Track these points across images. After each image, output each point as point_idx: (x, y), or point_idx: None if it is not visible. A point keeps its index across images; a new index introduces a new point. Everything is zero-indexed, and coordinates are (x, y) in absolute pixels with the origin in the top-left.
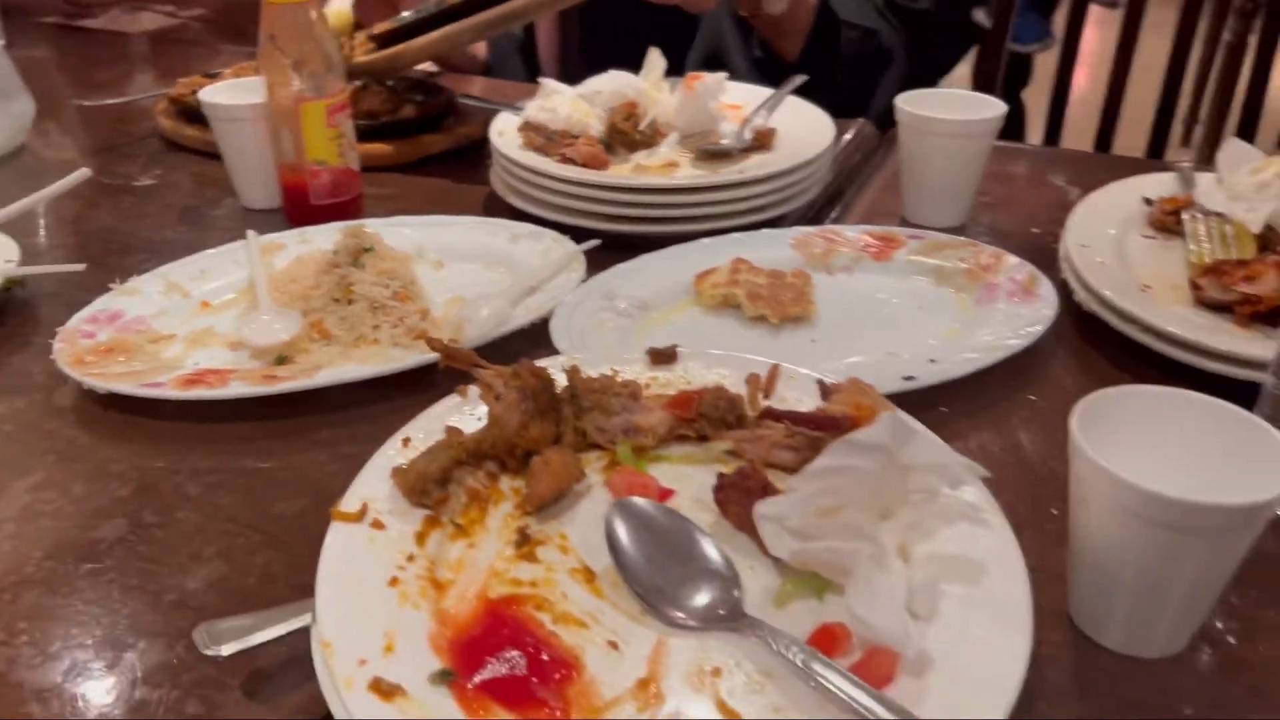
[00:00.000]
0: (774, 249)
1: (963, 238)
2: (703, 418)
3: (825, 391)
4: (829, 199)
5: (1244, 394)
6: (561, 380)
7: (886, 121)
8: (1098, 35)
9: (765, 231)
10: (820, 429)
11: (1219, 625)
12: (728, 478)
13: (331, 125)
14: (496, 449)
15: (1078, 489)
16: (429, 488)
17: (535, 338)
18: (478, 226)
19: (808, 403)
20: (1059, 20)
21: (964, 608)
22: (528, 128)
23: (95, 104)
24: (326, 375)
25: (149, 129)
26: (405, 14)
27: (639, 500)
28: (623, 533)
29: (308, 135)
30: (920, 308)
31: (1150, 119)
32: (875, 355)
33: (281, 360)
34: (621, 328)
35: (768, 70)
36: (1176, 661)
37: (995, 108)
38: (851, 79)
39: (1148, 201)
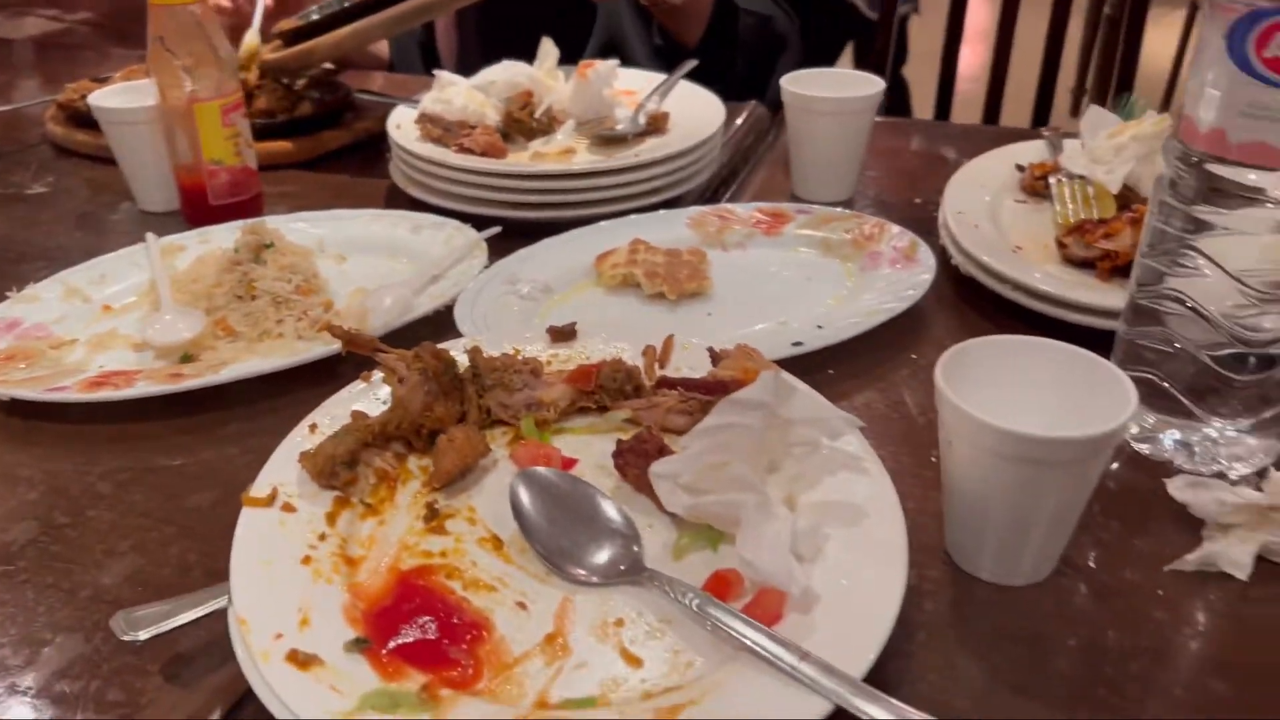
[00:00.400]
0: (670, 229)
1: (848, 210)
2: (602, 389)
3: (714, 358)
4: (723, 179)
5: (1109, 343)
6: (464, 361)
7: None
8: (983, 12)
9: (661, 212)
10: (711, 393)
11: (1087, 556)
12: (625, 443)
13: (227, 124)
14: (402, 430)
15: (945, 433)
16: (337, 470)
17: (440, 324)
18: (379, 219)
19: (701, 371)
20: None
21: (845, 548)
22: (424, 120)
23: None
24: (231, 371)
25: (39, 136)
26: (313, 11)
27: (542, 469)
28: (526, 500)
29: (203, 136)
30: (809, 278)
31: (1035, 92)
32: (768, 325)
33: (187, 359)
34: (525, 311)
35: (669, 57)
36: (1047, 589)
37: (874, 85)
38: (748, 64)
39: (1019, 168)
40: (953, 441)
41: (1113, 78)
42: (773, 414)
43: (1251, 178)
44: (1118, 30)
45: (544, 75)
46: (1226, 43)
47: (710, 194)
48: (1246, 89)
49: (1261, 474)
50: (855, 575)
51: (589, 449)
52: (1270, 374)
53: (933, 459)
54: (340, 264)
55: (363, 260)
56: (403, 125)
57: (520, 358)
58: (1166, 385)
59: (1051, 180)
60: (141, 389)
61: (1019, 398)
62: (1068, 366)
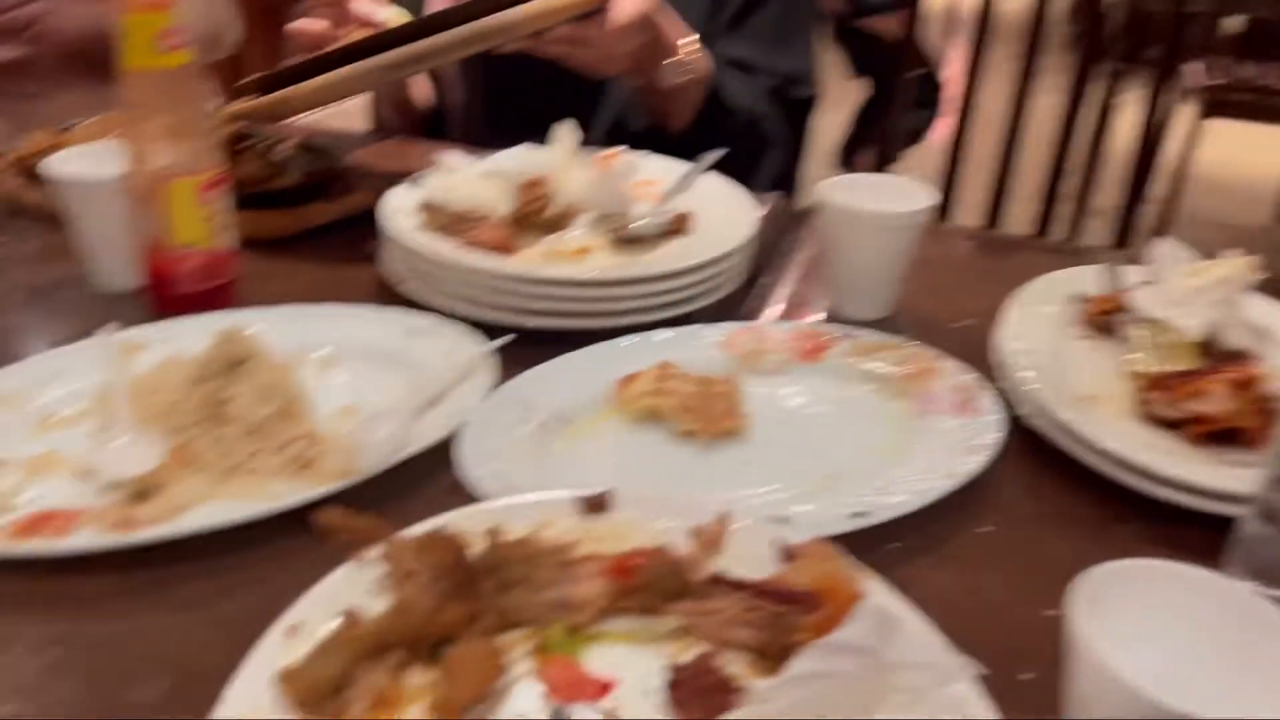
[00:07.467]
0: (700, 350)
1: (895, 337)
2: (646, 588)
3: (785, 555)
4: (744, 285)
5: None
6: (479, 543)
7: None
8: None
9: (690, 329)
10: (783, 602)
11: None
12: (683, 671)
13: (204, 204)
14: (404, 639)
15: (1079, 688)
16: (325, 698)
17: (439, 455)
18: (370, 319)
19: (762, 561)
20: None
21: None
22: (427, 208)
23: None
24: (195, 518)
25: None
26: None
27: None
28: None
29: (176, 215)
30: (856, 419)
31: (1039, 191)
32: (817, 482)
33: (141, 494)
34: (538, 446)
35: (653, 143)
36: None
37: (924, 197)
38: (735, 160)
39: (1078, 299)
40: (1089, 703)
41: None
42: (874, 659)
43: None
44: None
45: (561, 164)
46: None
47: (733, 305)
48: None
49: None
50: None
51: (631, 666)
52: None
53: (1026, 676)
54: (324, 373)
55: (350, 370)
56: (401, 210)
57: (548, 544)
58: None
59: (1121, 320)
60: (83, 541)
61: (1164, 644)
62: (1228, 608)
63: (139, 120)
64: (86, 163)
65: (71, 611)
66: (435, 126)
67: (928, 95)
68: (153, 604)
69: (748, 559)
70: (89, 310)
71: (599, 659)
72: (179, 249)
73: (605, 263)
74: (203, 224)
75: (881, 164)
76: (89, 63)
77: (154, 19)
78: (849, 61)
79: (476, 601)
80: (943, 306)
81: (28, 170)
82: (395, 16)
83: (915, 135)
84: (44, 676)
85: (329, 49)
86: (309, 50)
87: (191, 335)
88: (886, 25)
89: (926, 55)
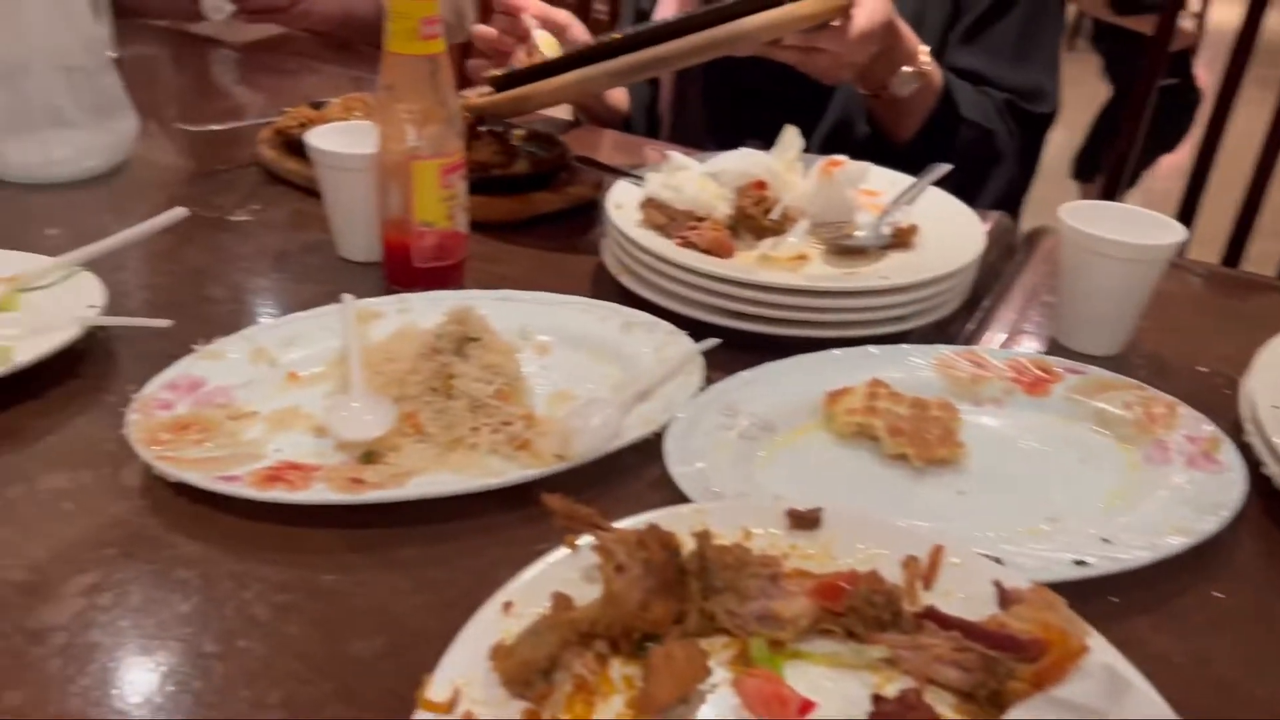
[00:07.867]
0: (912, 370)
1: (1129, 379)
2: (853, 612)
3: (1004, 598)
4: (964, 305)
5: None
6: (689, 544)
7: None
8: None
9: (905, 347)
10: (998, 648)
11: None
12: (887, 705)
13: (445, 186)
14: (611, 630)
15: None
16: (533, 679)
17: (645, 449)
18: (588, 310)
19: (978, 599)
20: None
21: None
22: (650, 205)
23: (199, 129)
24: (419, 485)
25: (250, 157)
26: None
27: None
28: None
29: (418, 195)
30: (1081, 460)
31: None
32: (1036, 522)
33: (369, 457)
34: (743, 451)
35: (872, 150)
36: None
37: (1175, 231)
38: (961, 174)
39: None
40: None
41: None
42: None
43: None
44: None
45: (784, 168)
46: None
47: (949, 326)
48: None
49: None
50: None
51: (832, 690)
52: None
53: None
54: (542, 356)
55: (566, 355)
56: (624, 205)
57: (757, 555)
58: None
59: None
60: (317, 494)
61: None
62: None
63: (393, 102)
64: (341, 138)
65: (303, 559)
66: (628, 127)
67: (1180, 108)
68: (374, 563)
69: (961, 596)
70: (332, 277)
71: (798, 678)
72: (418, 226)
73: (821, 271)
74: (442, 205)
75: (1117, 181)
76: (341, 43)
77: (420, 6)
78: (1103, 61)
79: (683, 602)
80: (1179, 348)
81: (285, 141)
82: (547, 43)
83: (1161, 151)
84: (276, 618)
85: (569, 52)
86: (489, 54)
87: (424, 309)
88: (1145, 25)
89: (1189, 63)
